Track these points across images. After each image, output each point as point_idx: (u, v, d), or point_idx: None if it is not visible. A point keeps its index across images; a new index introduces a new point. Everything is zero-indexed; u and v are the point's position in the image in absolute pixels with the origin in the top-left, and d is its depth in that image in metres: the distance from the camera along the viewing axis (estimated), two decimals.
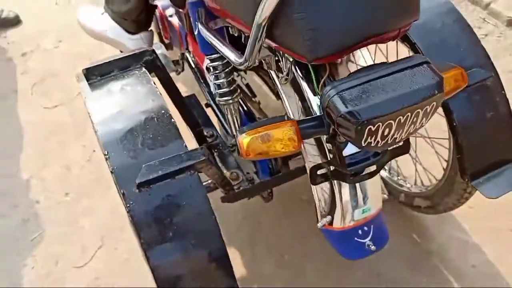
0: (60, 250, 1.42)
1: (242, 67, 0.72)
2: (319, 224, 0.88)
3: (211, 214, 0.77)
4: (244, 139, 0.67)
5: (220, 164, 1.11)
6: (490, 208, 1.29)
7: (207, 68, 1.03)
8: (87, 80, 0.89)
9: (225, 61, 0.98)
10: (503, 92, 0.96)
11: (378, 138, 0.63)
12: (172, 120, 0.81)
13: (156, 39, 1.57)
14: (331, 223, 0.87)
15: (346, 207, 0.83)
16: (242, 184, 1.07)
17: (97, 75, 0.90)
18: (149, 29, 1.43)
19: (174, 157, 0.76)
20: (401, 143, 0.80)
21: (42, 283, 1.35)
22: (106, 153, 0.77)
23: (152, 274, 0.73)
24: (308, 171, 0.78)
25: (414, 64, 0.65)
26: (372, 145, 0.64)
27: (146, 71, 0.91)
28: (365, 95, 0.61)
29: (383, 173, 1.44)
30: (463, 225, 1.36)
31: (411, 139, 1.31)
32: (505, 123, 0.96)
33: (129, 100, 0.85)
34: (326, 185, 0.84)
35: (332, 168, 0.76)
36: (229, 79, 1.00)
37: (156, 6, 1.39)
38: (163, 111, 0.82)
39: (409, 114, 0.62)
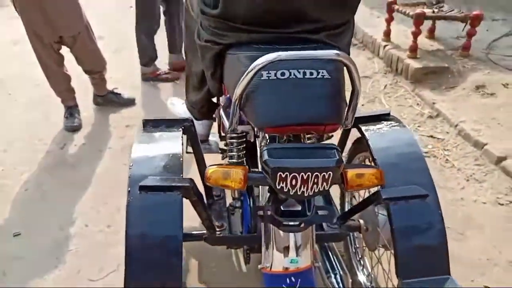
0: (85, 264, 1.76)
1: (229, 131, 1.10)
2: (259, 266, 1.11)
3: (179, 226, 1.07)
4: (210, 169, 1.01)
5: (215, 217, 1.42)
6: None
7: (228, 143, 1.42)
8: (143, 127, 1.33)
9: (239, 140, 1.36)
10: (439, 211, 1.16)
11: (289, 186, 0.92)
12: (180, 160, 1.18)
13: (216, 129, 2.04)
14: (269, 267, 1.10)
15: (278, 253, 1.07)
16: (223, 233, 1.34)
17: (150, 125, 1.34)
18: (210, 120, 1.91)
19: (171, 179, 1.11)
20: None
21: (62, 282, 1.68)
22: (131, 165, 1.15)
23: (125, 241, 1.04)
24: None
25: (326, 147, 0.96)
26: (285, 190, 0.93)
27: (181, 133, 1.31)
28: (283, 155, 0.93)
29: (362, 278, 1.59)
30: None
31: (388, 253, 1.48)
32: (437, 238, 1.14)
33: (160, 143, 1.24)
34: (272, 232, 1.09)
35: (269, 213, 1.04)
36: (238, 153, 1.37)
37: (218, 105, 1.88)
38: (177, 155, 1.19)
39: (309, 174, 0.91)
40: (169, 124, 1.33)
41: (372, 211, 1.37)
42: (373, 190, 1.19)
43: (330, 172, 0.92)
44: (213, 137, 2.03)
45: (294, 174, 0.91)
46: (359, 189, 1.08)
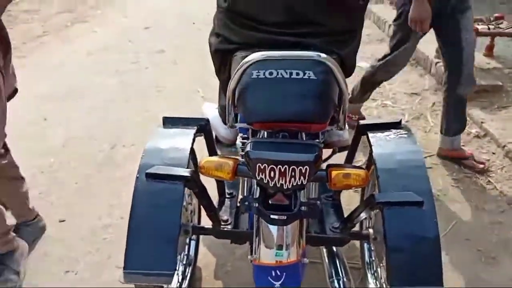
0: (115, 251, 1.91)
1: (228, 126, 1.18)
2: (249, 257, 1.17)
3: (178, 212, 1.16)
4: (203, 159, 1.09)
5: (224, 213, 1.49)
6: None
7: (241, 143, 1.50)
8: (163, 124, 1.45)
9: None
10: (435, 220, 1.14)
11: (268, 177, 0.98)
12: (187, 154, 1.27)
13: None
14: (258, 259, 1.15)
15: (264, 245, 1.12)
16: (228, 227, 1.41)
17: (169, 123, 1.45)
18: None
19: (175, 169, 1.21)
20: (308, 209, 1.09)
21: (94, 265, 1.84)
22: (142, 155, 1.27)
23: (128, 223, 1.16)
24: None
25: (308, 143, 1.00)
26: (264, 181, 0.98)
27: (194, 130, 1.40)
28: (264, 147, 0.99)
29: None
30: None
31: None
32: (431, 247, 1.12)
33: (173, 138, 1.35)
34: (260, 225, 1.15)
35: (256, 205, 1.09)
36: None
37: None
38: (185, 149, 1.29)
39: (286, 167, 0.96)
40: (185, 122, 1.44)
41: (380, 220, 1.37)
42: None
43: (307, 167, 0.97)
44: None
45: (272, 166, 0.97)
46: (344, 189, 1.10)
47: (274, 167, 0.97)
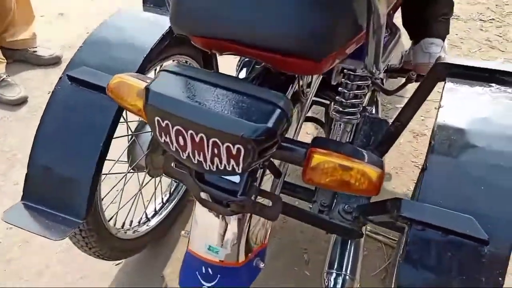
0: None
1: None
2: (182, 232, 0.80)
3: (104, 137, 0.81)
4: (115, 78, 0.67)
5: None
6: None
7: None
8: (143, 3, 1.02)
9: None
10: (500, 272, 0.60)
11: (175, 144, 0.54)
12: (141, 57, 0.87)
13: None
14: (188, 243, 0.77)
15: (195, 229, 0.72)
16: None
17: (152, 2, 1.02)
18: None
19: (109, 77, 0.80)
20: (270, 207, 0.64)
21: None
22: (80, 46, 0.91)
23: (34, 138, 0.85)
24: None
25: (264, 98, 0.51)
26: (171, 148, 0.56)
27: None
28: (177, 88, 0.54)
29: None
30: None
31: None
32: None
33: (139, 24, 0.95)
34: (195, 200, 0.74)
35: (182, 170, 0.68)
36: None
37: None
38: (144, 48, 0.88)
39: (203, 135, 0.51)
40: None
41: None
42: None
43: (239, 146, 0.50)
44: None
45: (178, 127, 0.52)
46: (328, 189, 0.61)
47: (183, 130, 0.52)
